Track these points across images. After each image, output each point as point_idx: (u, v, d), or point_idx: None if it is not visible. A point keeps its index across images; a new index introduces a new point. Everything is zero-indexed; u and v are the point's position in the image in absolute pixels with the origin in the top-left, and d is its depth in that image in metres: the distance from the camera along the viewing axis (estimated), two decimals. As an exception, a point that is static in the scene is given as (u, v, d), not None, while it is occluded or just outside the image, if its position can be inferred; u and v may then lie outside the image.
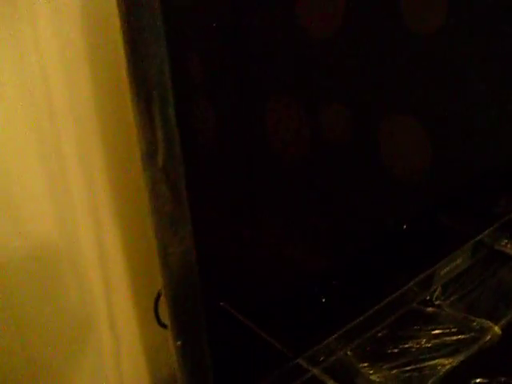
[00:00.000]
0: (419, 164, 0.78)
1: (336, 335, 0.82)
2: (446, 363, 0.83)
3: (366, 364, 0.83)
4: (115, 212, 0.65)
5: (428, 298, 0.95)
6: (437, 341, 0.87)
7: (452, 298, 0.96)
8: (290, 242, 0.67)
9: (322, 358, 0.81)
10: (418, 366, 0.83)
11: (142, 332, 0.73)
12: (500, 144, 0.95)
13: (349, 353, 0.85)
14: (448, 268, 0.97)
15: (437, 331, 0.89)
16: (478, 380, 0.80)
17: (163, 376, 0.80)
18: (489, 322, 0.90)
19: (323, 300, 0.78)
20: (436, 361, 0.84)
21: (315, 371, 0.81)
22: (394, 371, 0.82)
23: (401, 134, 0.70)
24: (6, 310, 0.56)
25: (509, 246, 1.06)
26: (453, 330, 0.89)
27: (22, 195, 0.53)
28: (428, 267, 0.93)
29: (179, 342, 0.59)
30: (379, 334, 0.89)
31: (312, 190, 0.64)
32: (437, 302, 0.95)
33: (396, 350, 0.86)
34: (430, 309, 0.94)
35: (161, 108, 0.46)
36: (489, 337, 0.88)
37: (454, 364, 0.83)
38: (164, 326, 0.73)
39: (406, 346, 0.87)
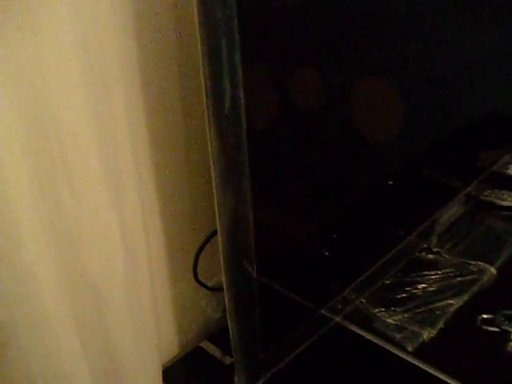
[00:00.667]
0: (396, 123, 0.81)
1: (351, 287, 0.87)
2: (453, 303, 0.90)
3: (380, 309, 0.89)
4: (155, 170, 0.66)
5: (426, 246, 1.02)
6: (440, 284, 0.94)
7: (448, 246, 1.03)
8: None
9: (341, 307, 0.86)
10: (427, 307, 0.89)
11: (177, 290, 0.75)
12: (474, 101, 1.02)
13: (363, 301, 0.90)
14: (444, 218, 1.04)
15: (439, 275, 0.96)
16: (484, 316, 0.87)
17: (193, 333, 0.82)
18: (484, 264, 0.98)
19: (337, 257, 0.83)
20: (443, 302, 0.90)
21: (337, 319, 0.86)
22: (407, 314, 0.88)
23: (375, 94, 0.73)
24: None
25: (492, 195, 1.14)
26: (453, 273, 0.96)
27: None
28: (428, 218, 1.00)
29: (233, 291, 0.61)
30: (387, 282, 0.94)
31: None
32: (435, 250, 1.02)
33: (405, 295, 0.92)
34: (430, 256, 1.01)
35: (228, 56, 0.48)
36: (486, 277, 0.96)
37: (460, 303, 0.90)
38: (201, 283, 0.75)
39: (414, 290, 0.93)
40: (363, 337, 0.84)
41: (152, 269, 0.65)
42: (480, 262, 0.98)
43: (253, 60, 0.51)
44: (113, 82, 0.54)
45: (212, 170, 0.52)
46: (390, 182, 0.91)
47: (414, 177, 0.97)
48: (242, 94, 0.50)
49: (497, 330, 0.85)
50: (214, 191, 0.53)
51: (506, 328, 0.85)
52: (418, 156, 0.92)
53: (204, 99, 0.48)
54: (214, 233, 0.57)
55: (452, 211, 1.06)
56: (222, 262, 0.56)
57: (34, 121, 0.49)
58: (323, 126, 0.65)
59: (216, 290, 0.79)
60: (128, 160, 0.58)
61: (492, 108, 1.08)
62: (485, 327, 0.86)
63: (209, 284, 0.78)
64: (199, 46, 0.46)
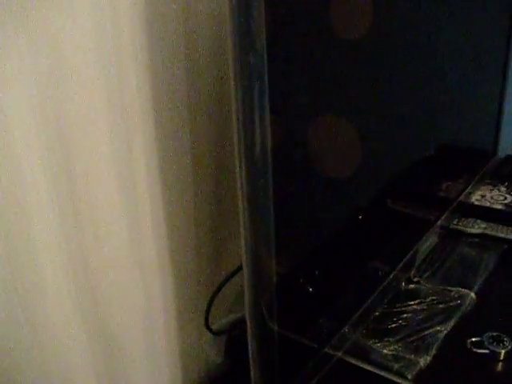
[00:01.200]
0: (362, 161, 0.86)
1: (349, 323, 0.90)
2: (442, 329, 0.94)
3: (374, 341, 0.92)
4: (168, 214, 0.67)
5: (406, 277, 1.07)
6: (427, 312, 0.98)
7: (426, 275, 1.08)
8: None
9: (340, 344, 0.89)
10: (419, 335, 0.93)
11: (184, 334, 0.76)
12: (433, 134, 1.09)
13: (358, 335, 0.93)
14: (422, 249, 1.10)
15: (423, 304, 1.01)
16: (473, 339, 0.92)
17: (196, 377, 0.82)
18: (464, 289, 1.04)
19: (340, 298, 0.87)
20: (432, 329, 0.95)
21: (339, 354, 0.89)
22: (401, 343, 0.92)
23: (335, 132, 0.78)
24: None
25: (461, 224, 1.21)
26: (436, 300, 1.01)
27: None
28: (409, 252, 1.05)
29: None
30: (376, 314, 0.98)
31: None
32: (415, 280, 1.07)
33: (395, 326, 0.96)
34: (411, 286, 1.05)
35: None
36: (467, 302, 1.01)
37: (448, 329, 0.94)
38: (210, 329, 0.76)
39: (402, 320, 0.97)
40: (364, 369, 0.87)
41: (167, 317, 0.66)
42: (459, 288, 1.04)
43: (279, 105, 0.54)
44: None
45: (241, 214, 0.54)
46: (360, 217, 0.95)
47: (391, 214, 1.02)
48: (269, 139, 0.53)
49: (486, 351, 0.90)
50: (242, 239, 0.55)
51: (495, 349, 0.90)
52: (391, 193, 0.98)
53: (236, 149, 0.50)
54: (226, 281, 0.59)
55: (428, 242, 1.12)
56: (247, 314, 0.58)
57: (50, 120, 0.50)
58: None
59: (220, 334, 0.80)
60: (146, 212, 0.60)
61: (449, 142, 1.16)
62: (475, 349, 0.91)
63: (212, 328, 0.79)
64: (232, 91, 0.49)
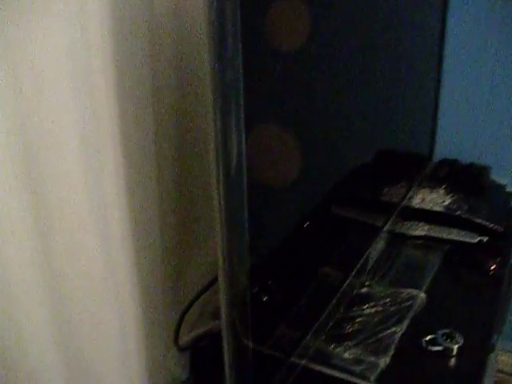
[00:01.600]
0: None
1: (311, 333, 0.92)
2: (398, 330, 0.98)
3: (335, 345, 0.95)
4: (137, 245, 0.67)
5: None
6: (381, 314, 1.02)
7: (376, 278, 1.12)
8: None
9: (304, 352, 0.91)
10: (376, 338, 0.97)
11: (151, 350, 0.75)
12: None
13: (319, 341, 0.96)
14: (373, 254, 1.14)
15: (377, 307, 1.04)
16: (427, 337, 0.96)
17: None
18: (414, 290, 1.08)
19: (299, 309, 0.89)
20: (388, 331, 0.98)
21: (303, 362, 0.90)
22: (360, 346, 0.95)
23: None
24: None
25: (404, 227, 1.27)
26: (389, 303, 1.05)
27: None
28: (362, 258, 1.08)
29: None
30: (334, 320, 1.01)
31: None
32: (367, 283, 1.10)
33: (352, 330, 0.99)
34: (363, 290, 1.09)
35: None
36: (418, 302, 1.06)
37: (404, 329, 0.98)
38: (178, 345, 0.76)
39: (359, 324, 1.00)
40: (329, 374, 0.89)
41: (138, 336, 0.65)
42: (409, 289, 1.08)
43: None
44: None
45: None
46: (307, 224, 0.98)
47: (339, 222, 1.05)
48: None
49: (440, 348, 0.94)
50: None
51: (448, 345, 0.94)
52: (336, 201, 1.01)
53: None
54: (196, 298, 0.60)
55: (377, 247, 1.16)
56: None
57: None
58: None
59: (186, 349, 0.80)
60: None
61: (388, 148, 1.21)
62: (430, 347, 0.95)
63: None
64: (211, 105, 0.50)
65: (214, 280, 0.67)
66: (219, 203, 0.54)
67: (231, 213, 0.55)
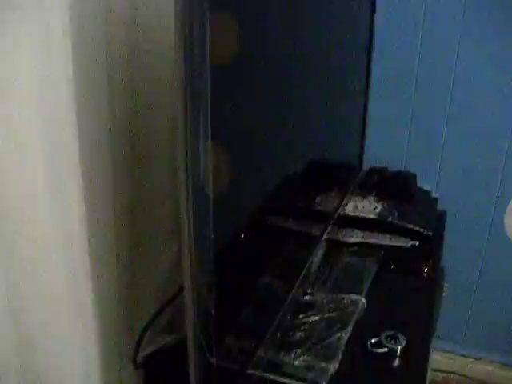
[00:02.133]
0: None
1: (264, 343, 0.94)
2: (343, 335, 1.02)
3: (284, 354, 0.97)
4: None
5: (301, 289, 1.13)
6: (326, 320, 1.06)
7: (317, 285, 1.16)
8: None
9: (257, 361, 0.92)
10: (323, 343, 1.00)
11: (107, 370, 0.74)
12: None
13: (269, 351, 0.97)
14: (315, 263, 1.18)
15: (321, 313, 1.08)
16: (372, 340, 1.00)
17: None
18: (354, 295, 1.13)
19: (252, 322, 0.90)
20: (334, 336, 1.02)
21: (257, 373, 0.92)
22: (309, 353, 0.98)
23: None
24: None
25: (340, 234, 1.32)
26: (332, 309, 1.09)
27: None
28: (304, 267, 1.11)
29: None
30: (282, 329, 1.03)
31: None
32: (309, 291, 1.14)
33: (300, 337, 1.01)
34: (307, 297, 1.12)
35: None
36: (359, 306, 1.10)
37: (348, 334, 1.02)
38: (136, 363, 0.75)
39: (305, 331, 1.03)
40: (282, 383, 0.91)
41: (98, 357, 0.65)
42: (350, 295, 1.12)
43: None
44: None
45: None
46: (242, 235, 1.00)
47: (277, 232, 1.08)
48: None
49: (385, 350, 0.99)
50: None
51: (392, 347, 0.99)
52: (272, 211, 1.04)
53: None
54: (157, 314, 0.60)
55: (317, 255, 1.20)
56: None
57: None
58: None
59: (140, 367, 0.79)
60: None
61: (321, 158, 1.25)
62: (375, 350, 0.99)
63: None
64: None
65: (173, 297, 0.68)
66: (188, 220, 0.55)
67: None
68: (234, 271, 0.78)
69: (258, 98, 0.79)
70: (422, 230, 1.29)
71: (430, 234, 1.29)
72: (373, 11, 1.31)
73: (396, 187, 1.43)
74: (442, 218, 1.42)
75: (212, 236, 0.61)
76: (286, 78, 0.91)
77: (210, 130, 0.56)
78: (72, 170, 0.60)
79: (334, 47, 1.16)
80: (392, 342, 1.00)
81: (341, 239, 1.30)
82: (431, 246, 1.29)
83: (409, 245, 1.27)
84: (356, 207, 1.37)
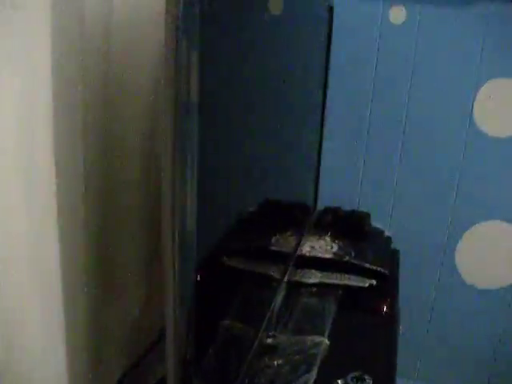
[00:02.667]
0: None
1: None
2: (309, 378, 1.02)
3: (252, 400, 0.96)
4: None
5: (262, 332, 1.13)
6: (290, 363, 1.06)
7: (279, 328, 1.16)
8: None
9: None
10: (290, 387, 1.00)
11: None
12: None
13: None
14: (276, 305, 1.18)
15: (285, 356, 1.08)
16: (339, 382, 1.01)
17: None
18: (316, 337, 1.14)
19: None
20: (301, 379, 1.02)
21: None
22: (276, 398, 0.97)
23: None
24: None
25: (298, 275, 1.33)
26: (296, 351, 1.09)
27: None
28: (268, 310, 1.11)
29: None
30: (245, 374, 1.02)
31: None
32: (271, 334, 1.14)
33: (264, 382, 1.01)
34: (269, 340, 1.12)
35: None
36: (322, 348, 1.11)
37: (315, 376, 1.02)
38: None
39: (270, 375, 1.03)
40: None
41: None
42: (313, 337, 1.13)
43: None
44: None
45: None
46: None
47: (238, 275, 1.08)
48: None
49: (352, 390, 1.00)
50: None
51: (359, 387, 1.00)
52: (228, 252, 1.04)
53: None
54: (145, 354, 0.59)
55: (278, 298, 1.20)
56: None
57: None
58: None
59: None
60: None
61: (276, 198, 1.27)
62: (343, 391, 1.00)
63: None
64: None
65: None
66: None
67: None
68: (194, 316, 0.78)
69: (218, 137, 0.80)
70: (378, 268, 1.31)
71: (387, 272, 1.32)
72: (328, 52, 1.36)
73: (350, 226, 1.46)
74: (395, 256, 1.46)
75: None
76: (245, 120, 0.93)
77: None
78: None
79: (289, 87, 1.19)
80: (358, 382, 1.01)
81: (299, 280, 1.31)
82: (388, 284, 1.32)
83: (367, 284, 1.29)
84: (312, 247, 1.39)
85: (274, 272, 1.21)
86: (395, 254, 1.47)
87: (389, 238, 1.50)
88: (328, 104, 1.40)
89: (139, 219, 0.87)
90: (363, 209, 1.51)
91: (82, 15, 0.67)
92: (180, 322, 0.62)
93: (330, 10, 1.33)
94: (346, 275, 1.32)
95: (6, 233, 0.60)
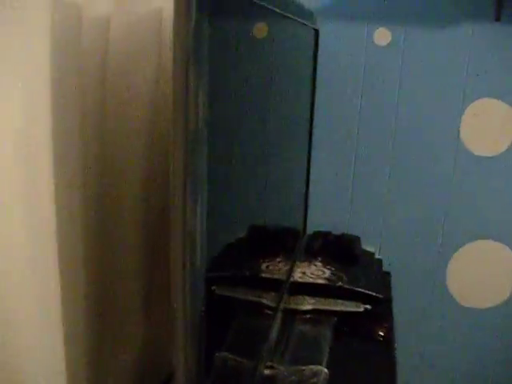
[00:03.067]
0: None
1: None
2: (312, 409, 1.00)
3: None
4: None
5: (259, 363, 1.11)
6: (289, 394, 1.04)
7: (277, 357, 1.14)
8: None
9: None
10: (291, 419, 0.98)
11: None
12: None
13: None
14: (272, 334, 1.16)
15: (285, 387, 1.06)
16: (341, 411, 0.99)
17: None
18: (315, 366, 1.12)
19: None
20: (304, 410, 1.00)
21: None
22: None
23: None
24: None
25: (291, 302, 1.31)
26: (295, 382, 1.07)
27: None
28: (266, 341, 1.09)
29: None
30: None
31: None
32: (269, 364, 1.11)
33: (266, 415, 0.99)
34: (268, 371, 1.10)
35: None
36: (322, 377, 1.09)
37: (317, 407, 1.01)
38: None
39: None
40: None
41: None
42: (311, 366, 1.11)
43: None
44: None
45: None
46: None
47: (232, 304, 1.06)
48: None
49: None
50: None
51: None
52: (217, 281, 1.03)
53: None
54: None
55: (275, 327, 1.18)
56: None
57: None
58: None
59: None
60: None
61: (267, 224, 1.26)
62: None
63: None
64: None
65: None
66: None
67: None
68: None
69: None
70: (372, 293, 1.30)
71: (381, 296, 1.30)
72: (314, 76, 1.36)
73: (341, 250, 1.45)
74: (387, 279, 1.46)
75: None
76: (233, 147, 0.92)
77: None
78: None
79: (277, 114, 1.19)
80: (361, 411, 0.99)
81: (293, 307, 1.29)
82: (383, 308, 1.31)
83: (362, 309, 1.28)
84: (304, 273, 1.37)
85: (267, 300, 1.19)
86: (387, 276, 1.47)
87: (379, 261, 1.49)
88: (315, 128, 1.40)
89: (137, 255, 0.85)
90: (353, 232, 1.50)
91: (80, 17, 0.67)
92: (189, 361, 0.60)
93: (316, 32, 1.34)
94: (340, 301, 1.31)
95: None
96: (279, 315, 1.20)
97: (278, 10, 0.98)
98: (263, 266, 1.27)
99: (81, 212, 0.70)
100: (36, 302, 0.62)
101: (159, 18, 0.77)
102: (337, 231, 1.49)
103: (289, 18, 1.09)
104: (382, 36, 1.40)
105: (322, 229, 1.50)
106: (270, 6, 0.91)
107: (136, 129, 0.79)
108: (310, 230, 1.50)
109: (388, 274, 1.48)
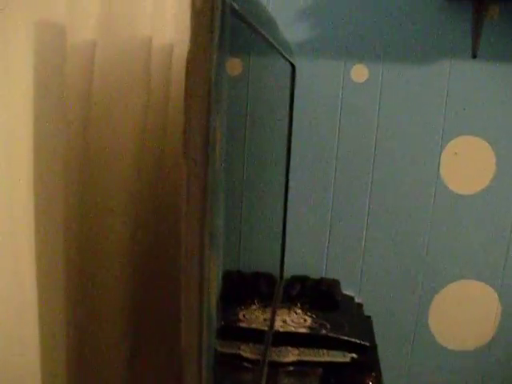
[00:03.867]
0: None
1: None
2: None
3: None
4: None
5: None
6: None
7: (263, 417, 1.07)
8: None
9: None
10: None
11: None
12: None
13: None
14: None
15: None
16: None
17: None
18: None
19: None
20: None
21: None
22: None
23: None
24: None
25: (273, 354, 1.25)
26: None
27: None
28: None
29: None
30: None
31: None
32: (256, 425, 1.05)
33: None
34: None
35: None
36: None
37: None
38: None
39: None
40: None
41: None
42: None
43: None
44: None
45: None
46: None
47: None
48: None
49: None
50: None
51: None
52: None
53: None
54: None
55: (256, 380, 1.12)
56: None
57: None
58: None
59: None
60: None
61: (241, 271, 1.21)
62: None
63: None
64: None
65: None
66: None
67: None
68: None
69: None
70: (358, 341, 1.26)
71: (367, 344, 1.26)
72: (291, 112, 1.34)
73: (321, 295, 1.41)
74: (369, 324, 1.42)
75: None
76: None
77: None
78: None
79: (253, 154, 1.15)
80: None
81: (276, 359, 1.23)
82: (369, 356, 1.26)
83: (348, 359, 1.24)
84: (284, 321, 1.32)
85: (247, 352, 1.13)
86: (368, 321, 1.43)
87: (360, 305, 1.46)
88: (291, 172, 1.37)
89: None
90: (331, 275, 1.46)
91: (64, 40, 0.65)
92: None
93: (293, 68, 1.31)
94: (325, 350, 1.26)
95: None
96: (260, 368, 1.14)
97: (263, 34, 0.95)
98: (240, 315, 1.21)
99: (62, 218, 0.67)
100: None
101: (148, 47, 0.73)
102: (314, 275, 1.45)
103: (272, 46, 1.06)
104: (360, 72, 1.39)
105: (299, 273, 1.45)
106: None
107: (121, 161, 0.74)
108: (287, 275, 1.45)
109: (369, 318, 1.44)
